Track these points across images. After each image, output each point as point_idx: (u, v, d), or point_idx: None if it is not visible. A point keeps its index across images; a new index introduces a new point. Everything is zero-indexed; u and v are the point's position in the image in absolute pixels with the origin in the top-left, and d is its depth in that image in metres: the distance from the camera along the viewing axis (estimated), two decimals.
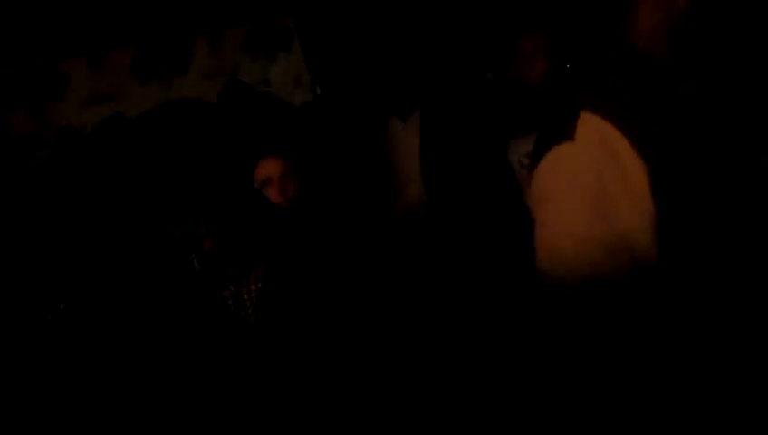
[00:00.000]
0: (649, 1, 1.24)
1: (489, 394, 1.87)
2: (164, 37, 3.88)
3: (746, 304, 1.20)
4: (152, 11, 3.81)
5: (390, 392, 1.56)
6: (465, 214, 2.69)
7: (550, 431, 1.47)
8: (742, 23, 1.30)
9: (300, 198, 2.28)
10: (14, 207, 2.56)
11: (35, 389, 1.91)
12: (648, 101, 1.24)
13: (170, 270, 1.68)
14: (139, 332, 1.70)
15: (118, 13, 3.75)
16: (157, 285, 1.71)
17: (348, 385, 1.56)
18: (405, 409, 1.57)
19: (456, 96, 2.95)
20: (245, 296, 1.64)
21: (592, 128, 1.20)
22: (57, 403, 1.87)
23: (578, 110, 1.21)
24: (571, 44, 2.44)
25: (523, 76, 2.59)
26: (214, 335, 1.63)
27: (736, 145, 1.28)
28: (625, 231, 1.18)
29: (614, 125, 1.20)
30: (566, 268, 1.20)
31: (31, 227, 2.46)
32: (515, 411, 1.87)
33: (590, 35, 1.31)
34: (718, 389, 1.18)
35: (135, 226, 2.10)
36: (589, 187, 1.19)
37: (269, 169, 2.27)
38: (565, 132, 1.20)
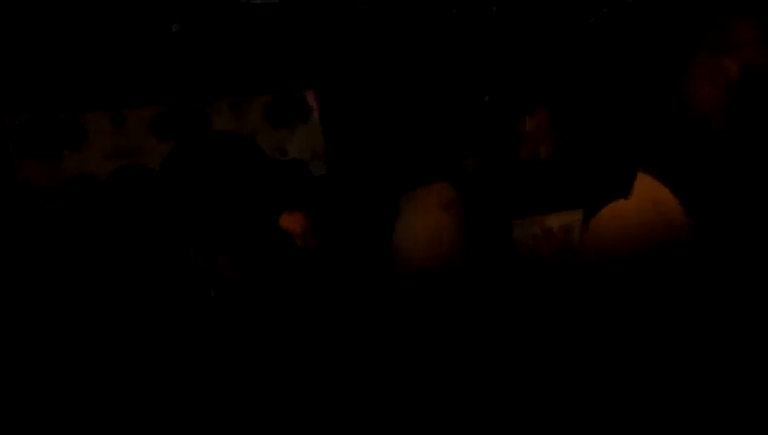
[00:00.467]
0: (706, 67, 1.27)
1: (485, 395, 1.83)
2: (187, 99, 3.94)
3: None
4: (177, 74, 3.89)
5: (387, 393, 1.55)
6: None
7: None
8: None
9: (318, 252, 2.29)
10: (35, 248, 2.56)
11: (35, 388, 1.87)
12: (702, 166, 1.25)
13: (185, 295, 1.67)
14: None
15: (144, 72, 3.82)
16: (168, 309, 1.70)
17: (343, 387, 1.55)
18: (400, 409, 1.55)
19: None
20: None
21: (647, 187, 1.21)
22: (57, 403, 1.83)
23: (635, 169, 1.23)
24: (583, 119, 2.46)
25: (528, 156, 2.60)
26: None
27: None
28: None
29: (668, 187, 1.21)
30: None
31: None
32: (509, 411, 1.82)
33: (645, 100, 1.33)
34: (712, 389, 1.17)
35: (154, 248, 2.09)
36: (639, 243, 1.19)
37: (293, 221, 2.28)
38: (622, 190, 1.21)
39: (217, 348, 1.63)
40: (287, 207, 2.35)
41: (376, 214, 3.24)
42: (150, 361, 1.70)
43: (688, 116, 1.30)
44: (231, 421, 1.57)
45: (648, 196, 1.24)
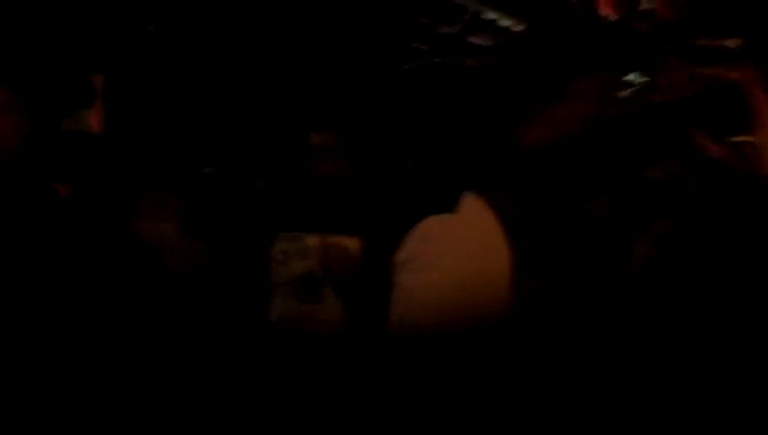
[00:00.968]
0: (544, 112, 1.42)
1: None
2: None
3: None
4: None
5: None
6: None
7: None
8: None
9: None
10: None
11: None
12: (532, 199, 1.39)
13: None
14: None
15: None
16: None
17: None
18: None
19: None
20: None
21: (473, 206, 1.34)
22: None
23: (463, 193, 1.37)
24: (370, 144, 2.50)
25: (316, 172, 2.56)
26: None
27: None
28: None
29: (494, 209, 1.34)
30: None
31: None
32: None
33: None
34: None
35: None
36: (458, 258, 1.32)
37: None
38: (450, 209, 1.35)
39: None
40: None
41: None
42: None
43: (520, 153, 1.44)
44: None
45: (471, 214, 1.37)
